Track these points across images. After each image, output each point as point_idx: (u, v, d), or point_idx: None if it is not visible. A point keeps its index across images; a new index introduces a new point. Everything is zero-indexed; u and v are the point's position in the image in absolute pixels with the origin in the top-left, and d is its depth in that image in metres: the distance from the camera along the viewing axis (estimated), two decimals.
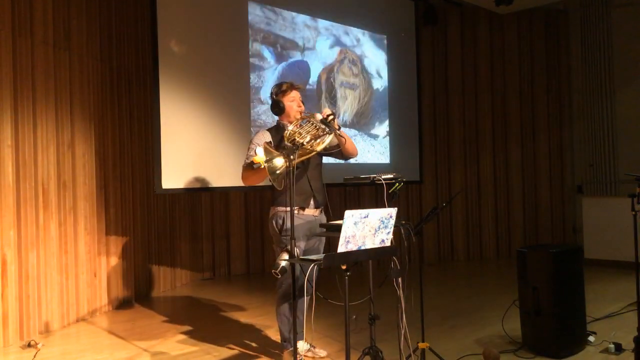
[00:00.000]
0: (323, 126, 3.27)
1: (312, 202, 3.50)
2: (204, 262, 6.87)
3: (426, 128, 7.81)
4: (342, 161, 3.79)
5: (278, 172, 3.01)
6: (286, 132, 3.28)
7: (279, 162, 3.01)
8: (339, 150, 3.54)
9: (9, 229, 4.09)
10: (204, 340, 4.13)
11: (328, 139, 3.30)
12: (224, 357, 3.77)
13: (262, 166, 3.07)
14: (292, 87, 3.59)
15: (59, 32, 4.64)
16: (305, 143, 3.17)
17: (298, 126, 3.31)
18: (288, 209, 3.33)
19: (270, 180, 3.09)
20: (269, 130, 3.61)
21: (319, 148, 3.26)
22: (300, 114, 3.50)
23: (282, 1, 6.13)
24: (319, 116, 3.24)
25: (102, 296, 5.13)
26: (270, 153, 3.02)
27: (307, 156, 3.27)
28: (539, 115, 8.16)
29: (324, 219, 3.59)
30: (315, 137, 3.23)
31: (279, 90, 3.58)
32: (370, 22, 7.05)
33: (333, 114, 3.26)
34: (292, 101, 3.55)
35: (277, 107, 3.53)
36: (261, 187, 3.65)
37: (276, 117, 3.68)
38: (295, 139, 3.20)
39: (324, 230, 3.16)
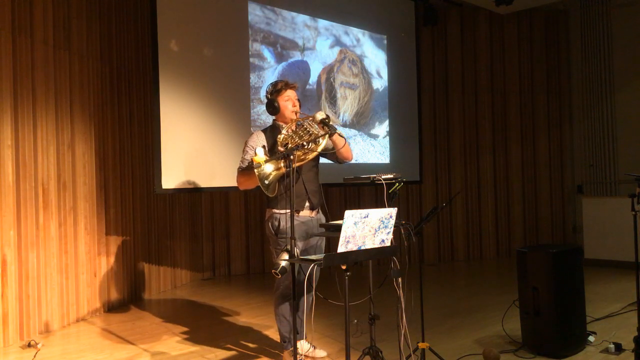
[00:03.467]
0: (317, 131, 3.24)
1: (307, 204, 3.49)
2: (204, 262, 6.87)
3: (426, 128, 7.80)
4: None
5: (267, 181, 3.00)
6: (279, 137, 3.27)
7: (269, 168, 2.99)
8: (333, 152, 3.49)
9: (9, 229, 4.10)
10: (204, 341, 4.13)
11: (322, 145, 3.26)
12: (224, 357, 3.77)
13: (262, 166, 3.08)
14: (287, 86, 3.54)
15: (59, 32, 4.64)
16: (301, 147, 3.15)
17: (292, 130, 3.30)
18: (283, 211, 3.35)
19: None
20: (264, 131, 3.58)
21: (310, 157, 3.24)
22: (296, 114, 3.47)
23: (282, 1, 6.12)
24: (319, 116, 3.21)
25: (102, 296, 5.13)
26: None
27: (301, 163, 3.23)
28: (539, 115, 8.16)
29: (322, 219, 3.59)
30: (309, 142, 3.21)
31: (274, 90, 3.54)
32: (370, 22, 7.05)
33: (327, 117, 3.23)
34: (287, 100, 3.50)
35: (272, 107, 3.49)
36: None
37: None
38: (288, 143, 3.20)
39: (325, 230, 3.15)
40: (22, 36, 4.26)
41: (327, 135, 3.23)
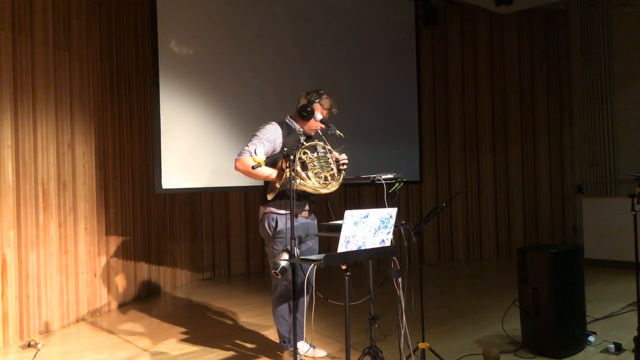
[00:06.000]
0: (335, 171, 3.27)
1: (307, 207, 3.51)
2: (204, 262, 6.87)
3: (426, 128, 7.80)
4: None
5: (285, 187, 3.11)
6: (301, 151, 3.18)
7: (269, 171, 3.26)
8: None
9: (9, 229, 4.10)
10: (204, 341, 4.13)
11: (333, 188, 3.27)
12: (224, 357, 3.77)
13: (262, 166, 3.12)
14: (331, 108, 3.51)
15: (58, 32, 4.64)
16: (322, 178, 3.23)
17: (315, 157, 3.25)
18: (281, 210, 3.34)
19: (272, 187, 3.22)
20: (280, 125, 3.50)
21: (323, 191, 3.25)
22: (316, 131, 3.48)
23: (283, 3, 6.11)
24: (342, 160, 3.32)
25: (102, 296, 5.13)
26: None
27: (307, 190, 3.24)
28: (539, 115, 8.16)
29: (315, 221, 3.60)
30: (325, 179, 3.24)
31: (320, 101, 3.47)
32: (370, 22, 7.04)
33: (346, 163, 3.31)
34: (321, 115, 3.48)
35: (306, 112, 3.42)
36: (261, 186, 3.64)
37: (273, 114, 3.65)
38: (305, 162, 3.19)
39: (324, 230, 3.16)
40: (22, 36, 4.26)
41: (341, 180, 3.30)
